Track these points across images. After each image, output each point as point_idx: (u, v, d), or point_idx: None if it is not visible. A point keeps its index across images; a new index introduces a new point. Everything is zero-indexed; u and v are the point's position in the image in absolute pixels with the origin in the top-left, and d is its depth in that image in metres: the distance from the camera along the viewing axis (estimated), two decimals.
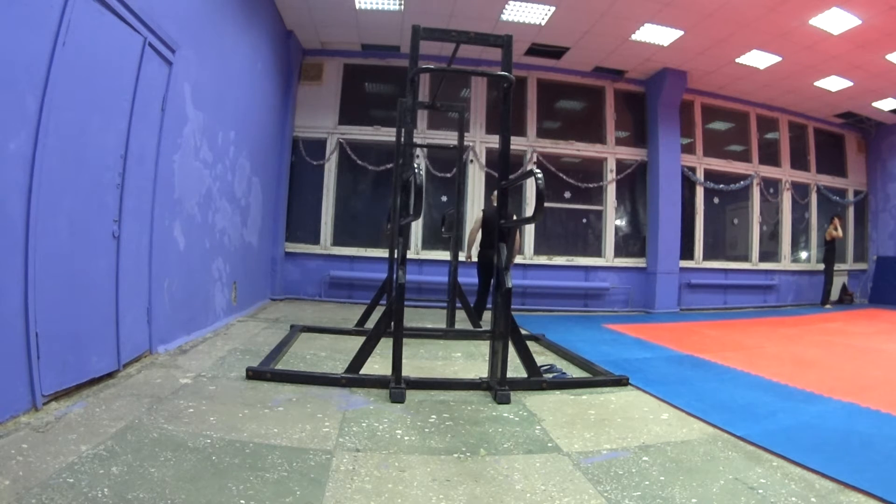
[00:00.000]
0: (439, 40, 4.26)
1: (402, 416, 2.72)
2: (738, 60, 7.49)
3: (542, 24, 6.79)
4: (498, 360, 3.19)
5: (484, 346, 4.59)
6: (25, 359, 2.31)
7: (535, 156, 8.15)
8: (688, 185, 8.66)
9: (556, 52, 7.69)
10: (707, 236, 8.87)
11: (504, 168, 3.48)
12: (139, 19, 3.11)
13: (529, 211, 7.75)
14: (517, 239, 6.39)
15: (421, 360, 4.11)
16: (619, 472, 2.14)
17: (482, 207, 6.88)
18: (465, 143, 6.01)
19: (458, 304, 5.49)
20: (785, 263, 9.45)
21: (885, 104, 8.90)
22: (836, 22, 6.16)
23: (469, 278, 6.48)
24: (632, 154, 8.52)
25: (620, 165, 8.49)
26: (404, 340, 3.20)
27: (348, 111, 7.96)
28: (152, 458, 2.00)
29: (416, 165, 3.15)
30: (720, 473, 2.15)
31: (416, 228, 7.81)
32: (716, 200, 9.06)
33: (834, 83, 8.07)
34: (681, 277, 8.38)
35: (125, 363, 3.19)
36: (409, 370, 3.31)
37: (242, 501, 1.73)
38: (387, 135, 7.49)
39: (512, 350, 3.28)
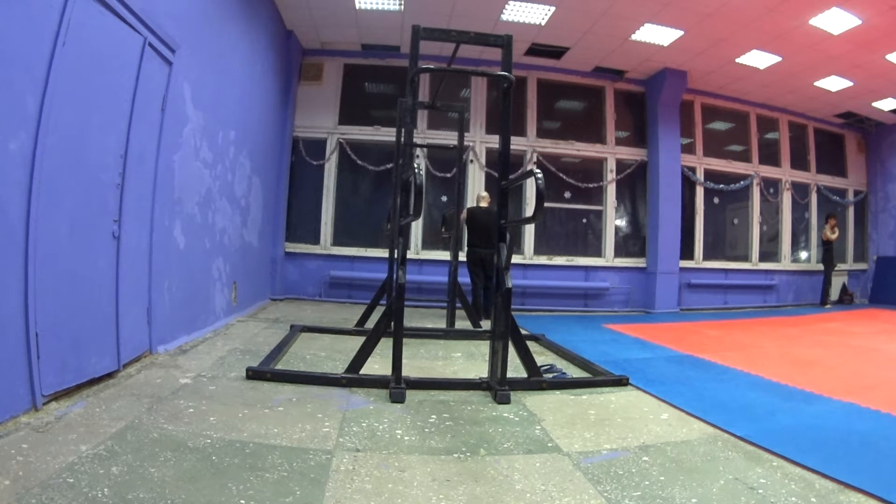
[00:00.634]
0: (439, 40, 4.26)
1: (402, 416, 2.72)
2: (738, 60, 7.49)
3: (542, 24, 6.79)
4: (498, 360, 3.18)
5: (484, 346, 4.59)
6: (25, 359, 2.31)
7: (535, 156, 8.15)
8: (688, 185, 8.66)
9: (556, 52, 7.69)
10: (707, 236, 8.87)
11: (504, 168, 3.47)
12: (139, 19, 3.11)
13: (529, 211, 7.75)
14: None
15: (421, 360, 4.11)
16: (619, 472, 2.14)
17: (468, 206, 6.93)
18: (465, 143, 6.02)
19: (458, 304, 5.50)
20: (785, 263, 9.46)
21: (885, 104, 8.90)
22: (836, 22, 6.16)
23: (469, 278, 6.54)
24: (632, 154, 8.52)
25: (620, 165, 8.49)
26: (404, 340, 3.20)
27: (348, 111, 7.96)
28: (152, 458, 2.00)
29: (416, 165, 3.15)
30: (720, 473, 2.15)
31: (416, 228, 7.81)
32: (716, 200, 9.06)
33: (834, 83, 8.08)
34: (681, 277, 8.39)
35: (125, 363, 3.19)
36: (409, 370, 3.31)
37: (242, 501, 1.73)
38: (387, 135, 7.49)
39: (512, 350, 3.28)
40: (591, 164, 8.53)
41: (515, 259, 7.88)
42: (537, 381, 3.36)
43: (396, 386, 3.04)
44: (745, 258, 9.20)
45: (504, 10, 6.51)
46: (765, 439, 2.50)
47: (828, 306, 9.11)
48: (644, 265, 8.43)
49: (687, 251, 8.60)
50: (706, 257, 8.86)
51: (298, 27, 7.23)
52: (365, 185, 8.15)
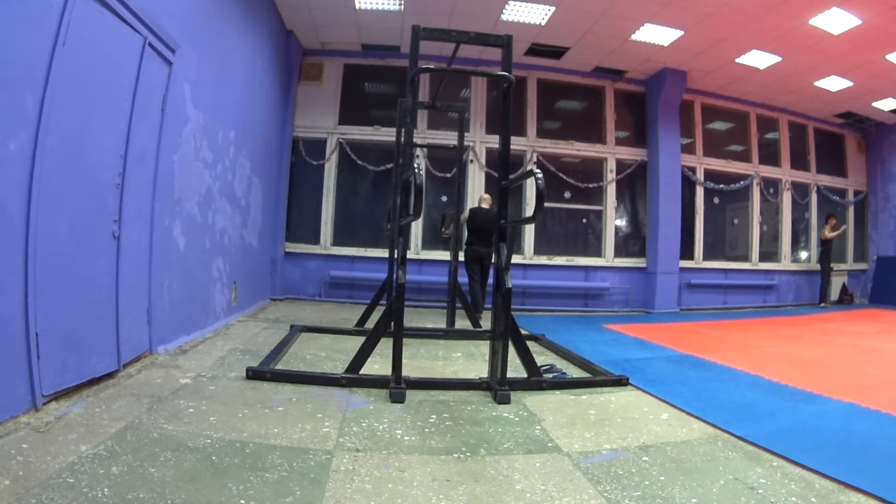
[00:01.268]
0: (439, 40, 4.26)
1: (402, 416, 2.72)
2: (737, 60, 7.49)
3: (542, 24, 6.79)
4: (498, 360, 3.18)
5: (484, 346, 4.59)
6: (25, 359, 2.31)
7: (535, 156, 8.15)
8: (688, 185, 8.66)
9: (556, 52, 7.69)
10: (707, 236, 8.87)
11: (504, 168, 3.47)
12: (139, 19, 3.11)
13: (529, 211, 7.75)
14: None
15: (421, 360, 4.11)
16: (619, 472, 2.14)
17: (471, 206, 6.98)
18: (465, 143, 6.02)
19: (458, 304, 5.50)
20: (785, 263, 9.46)
21: (885, 104, 8.90)
22: (836, 22, 6.16)
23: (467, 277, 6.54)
24: (632, 154, 8.52)
25: (620, 165, 8.49)
26: (404, 340, 3.20)
27: (348, 111, 7.96)
28: (152, 458, 2.00)
29: (416, 165, 3.15)
30: (720, 473, 2.15)
31: (416, 228, 7.81)
32: (716, 200, 9.06)
33: (834, 83, 8.07)
34: (681, 277, 8.39)
35: (125, 363, 3.19)
36: (409, 370, 3.31)
37: (242, 501, 1.73)
38: (387, 135, 7.49)
39: (512, 350, 3.28)
40: (591, 164, 8.53)
41: (515, 259, 7.87)
42: (537, 381, 3.36)
43: (396, 386, 3.04)
44: (745, 258, 9.20)
45: (504, 10, 6.51)
46: (765, 439, 2.50)
47: (823, 305, 9.09)
48: (644, 265, 8.43)
49: (687, 251, 8.59)
50: (706, 257, 8.86)
51: (298, 27, 7.22)
52: (365, 185, 8.15)
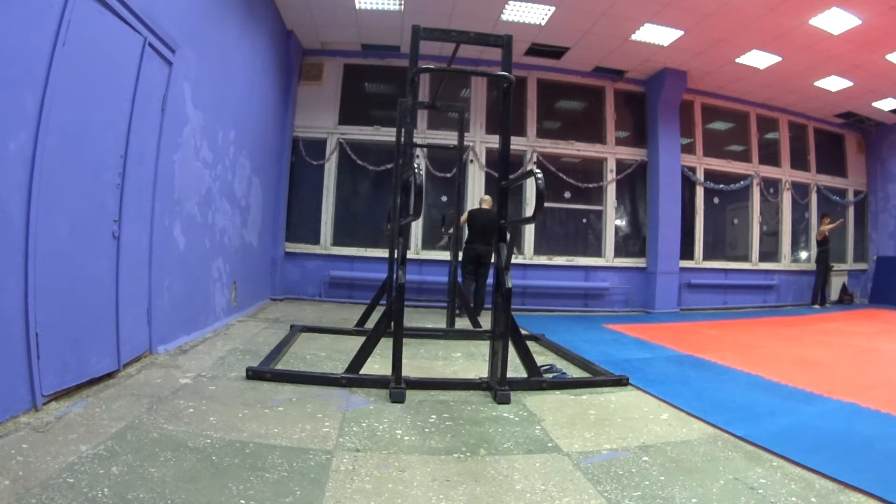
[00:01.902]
0: (439, 40, 4.26)
1: (402, 416, 2.72)
2: (737, 60, 7.49)
3: (542, 24, 6.79)
4: (498, 360, 3.18)
5: (484, 346, 4.59)
6: (25, 359, 2.31)
7: (535, 156, 8.15)
8: (688, 185, 8.66)
9: (556, 52, 7.69)
10: (707, 236, 8.88)
11: (504, 168, 3.47)
12: (139, 19, 3.11)
13: (529, 211, 7.75)
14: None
15: (421, 360, 4.11)
16: (619, 472, 2.14)
17: (470, 208, 7.02)
18: (465, 143, 6.02)
19: (459, 304, 5.50)
20: (785, 263, 9.46)
21: (885, 104, 8.90)
22: (836, 22, 6.17)
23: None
24: (632, 154, 8.52)
25: (620, 165, 8.49)
26: (404, 340, 3.20)
27: (348, 111, 7.96)
28: (152, 458, 2.00)
29: (416, 165, 3.15)
30: (720, 473, 2.15)
31: (416, 228, 7.81)
32: (716, 200, 9.06)
33: (834, 83, 8.08)
34: (681, 277, 8.39)
35: (125, 363, 3.19)
36: (409, 370, 3.31)
37: (242, 501, 1.73)
38: (387, 135, 7.49)
39: (512, 350, 3.28)
40: (591, 164, 8.53)
41: (515, 259, 7.88)
42: (537, 381, 3.36)
43: (396, 386, 3.04)
44: (745, 258, 9.20)
45: (504, 10, 6.51)
46: (765, 439, 2.50)
47: (816, 306, 9.05)
48: (644, 265, 8.43)
49: (687, 251, 8.60)
50: (706, 257, 8.86)
51: (298, 27, 7.23)
52: (365, 185, 8.15)
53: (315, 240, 7.84)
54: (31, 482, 1.73)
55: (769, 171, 9.31)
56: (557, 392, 3.33)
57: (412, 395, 3.07)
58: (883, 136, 10.07)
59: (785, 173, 9.48)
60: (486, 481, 2.00)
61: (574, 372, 3.87)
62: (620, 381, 3.56)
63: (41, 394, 2.38)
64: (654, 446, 2.45)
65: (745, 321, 7.30)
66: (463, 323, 5.64)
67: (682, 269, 8.41)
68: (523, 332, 4.50)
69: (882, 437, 2.57)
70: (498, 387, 3.11)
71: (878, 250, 10.23)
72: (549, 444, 2.43)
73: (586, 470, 2.14)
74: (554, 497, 1.89)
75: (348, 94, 8.00)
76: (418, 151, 7.66)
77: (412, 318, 5.81)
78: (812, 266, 9.54)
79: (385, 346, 3.41)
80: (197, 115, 4.20)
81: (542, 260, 8.15)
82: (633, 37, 7.00)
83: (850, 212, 10.19)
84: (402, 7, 6.53)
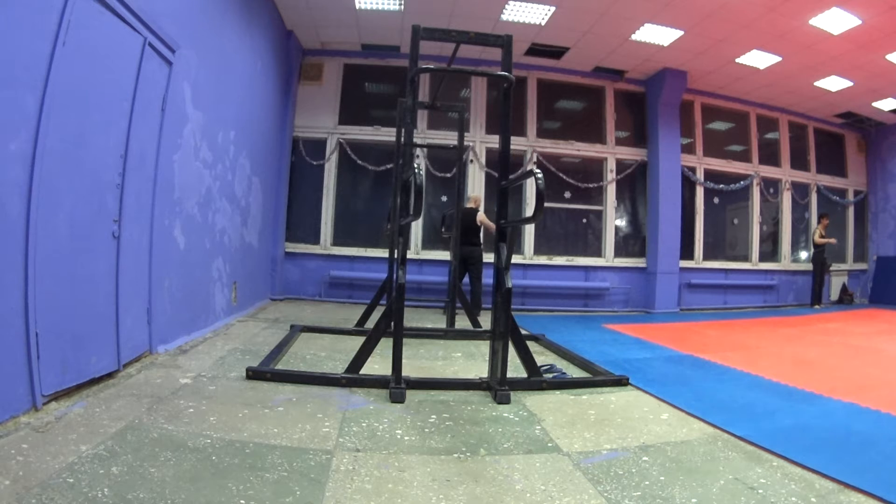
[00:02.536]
0: (439, 40, 4.25)
1: (402, 416, 2.72)
2: (738, 60, 7.49)
3: (542, 24, 6.79)
4: (498, 360, 3.18)
5: (484, 346, 4.59)
6: (25, 359, 2.31)
7: (535, 156, 8.15)
8: (688, 185, 8.66)
9: (556, 52, 7.69)
10: (707, 236, 8.87)
11: (504, 168, 3.47)
12: (139, 19, 3.11)
13: (529, 211, 7.75)
14: (485, 217, 6.51)
15: (421, 360, 4.11)
16: (619, 472, 2.14)
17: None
18: (465, 143, 6.02)
19: (458, 304, 5.50)
20: (785, 263, 9.46)
21: (885, 104, 8.90)
22: (836, 22, 6.16)
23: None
24: (632, 154, 8.52)
25: (620, 165, 8.49)
26: (404, 340, 3.20)
27: (348, 111, 7.96)
28: (152, 458, 2.00)
29: (416, 165, 3.15)
30: (720, 473, 2.15)
31: (416, 228, 7.81)
32: (716, 200, 9.06)
33: (834, 83, 8.08)
34: (681, 277, 8.39)
35: (125, 363, 3.19)
36: (409, 370, 3.31)
37: (242, 501, 1.73)
38: (387, 135, 7.49)
39: (512, 350, 3.28)
40: (591, 164, 8.53)
41: (515, 259, 7.87)
42: (537, 381, 3.36)
43: (396, 386, 3.04)
44: (745, 258, 9.21)
45: (504, 11, 6.51)
46: (765, 439, 2.50)
47: (817, 307, 9.06)
48: (644, 265, 8.44)
49: (687, 251, 8.60)
50: (706, 257, 8.86)
51: (298, 27, 7.23)
52: (365, 185, 8.15)
53: (315, 240, 7.84)
54: (31, 482, 1.73)
55: (769, 171, 9.31)
56: (557, 392, 3.33)
57: (412, 395, 3.07)
58: (883, 136, 10.07)
59: (785, 173, 9.48)
60: (486, 481, 2.00)
61: (574, 372, 3.87)
62: (620, 381, 3.56)
63: (41, 394, 2.38)
64: (654, 446, 2.44)
65: (745, 321, 7.29)
66: (463, 323, 5.64)
67: (682, 269, 8.41)
68: (523, 332, 4.50)
69: (882, 437, 2.57)
70: (498, 387, 3.11)
71: (878, 250, 10.23)
72: (549, 444, 2.43)
73: (586, 470, 2.14)
74: (554, 497, 1.89)
75: (348, 94, 8.00)
76: (418, 151, 7.66)
77: (412, 318, 5.81)
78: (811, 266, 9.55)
79: (385, 346, 3.41)
80: (197, 115, 4.20)
81: (542, 260, 8.16)
82: (633, 37, 7.00)
83: (850, 212, 10.19)
84: (402, 7, 6.53)
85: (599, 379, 3.61)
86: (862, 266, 10.34)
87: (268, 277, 7.12)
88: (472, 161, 7.96)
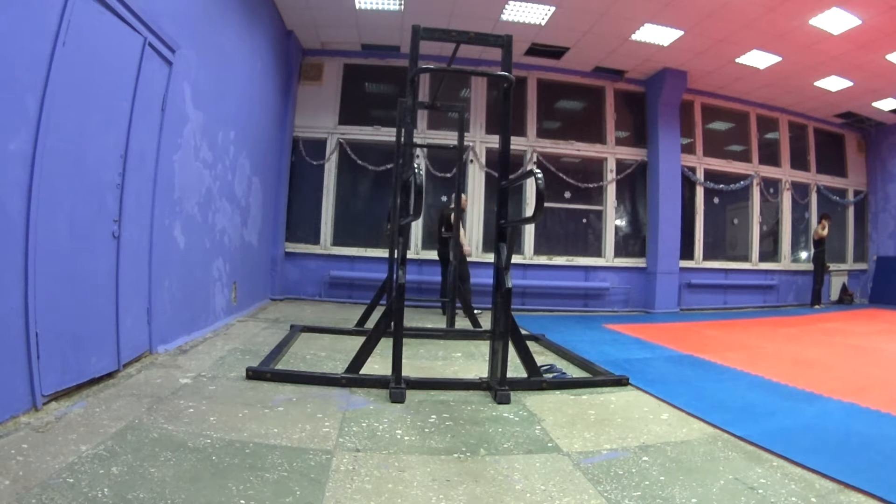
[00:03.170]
0: (439, 40, 4.25)
1: (402, 416, 2.72)
2: (738, 60, 7.49)
3: (542, 24, 6.79)
4: (498, 360, 3.18)
5: (484, 346, 4.59)
6: (25, 359, 2.31)
7: (535, 156, 8.15)
8: (688, 185, 8.66)
9: (556, 52, 7.69)
10: (707, 236, 8.87)
11: (504, 168, 3.47)
12: (139, 19, 3.11)
13: (529, 211, 7.75)
14: (462, 235, 6.27)
15: (421, 360, 4.11)
16: (619, 472, 2.14)
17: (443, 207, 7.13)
18: (465, 143, 6.02)
19: (458, 305, 5.50)
20: (785, 263, 9.46)
21: (885, 104, 8.90)
22: (836, 22, 6.17)
23: (474, 279, 6.56)
24: (632, 154, 8.52)
25: (620, 165, 8.49)
26: (404, 340, 3.20)
27: (348, 111, 7.96)
28: (152, 458, 2.00)
29: (416, 165, 3.15)
30: (720, 473, 2.14)
31: (416, 228, 7.81)
32: (716, 200, 9.06)
33: (834, 83, 8.08)
34: (681, 277, 8.39)
35: (125, 363, 3.19)
36: (409, 370, 3.31)
37: (242, 501, 1.73)
38: (387, 135, 7.49)
39: (512, 350, 3.28)
40: (591, 164, 8.53)
41: (515, 259, 7.87)
42: (537, 381, 3.36)
43: (396, 386, 3.04)
44: (745, 258, 9.21)
45: (504, 11, 6.51)
46: (765, 439, 2.50)
47: (817, 307, 9.06)
48: (644, 265, 8.44)
49: (687, 251, 8.60)
50: (706, 257, 8.86)
51: (298, 27, 7.22)
52: (365, 185, 8.15)
53: (315, 240, 7.84)
54: (31, 482, 1.73)
55: (769, 171, 9.31)
56: (557, 392, 3.33)
57: (412, 395, 3.07)
58: (883, 136, 10.07)
59: (785, 173, 9.48)
60: (486, 481, 2.00)
61: (574, 372, 3.87)
62: (620, 381, 3.56)
63: (41, 394, 2.38)
64: (654, 446, 2.44)
65: (745, 321, 7.29)
66: (463, 323, 5.64)
67: (682, 269, 8.41)
68: (523, 332, 4.50)
69: (882, 437, 2.57)
70: (498, 387, 3.11)
71: (878, 250, 10.24)
72: (549, 444, 2.43)
73: (586, 470, 2.14)
74: (554, 497, 1.89)
75: (348, 94, 8.00)
76: (418, 151, 7.66)
77: (412, 318, 5.80)
78: (812, 266, 9.55)
79: (385, 346, 3.41)
80: (197, 115, 4.20)
81: (542, 260, 8.16)
82: (633, 37, 7.00)
83: (850, 212, 10.19)
84: (402, 7, 6.53)
85: (599, 379, 3.61)
86: (862, 266, 10.34)
87: (268, 277, 7.12)
88: (472, 161, 7.96)
